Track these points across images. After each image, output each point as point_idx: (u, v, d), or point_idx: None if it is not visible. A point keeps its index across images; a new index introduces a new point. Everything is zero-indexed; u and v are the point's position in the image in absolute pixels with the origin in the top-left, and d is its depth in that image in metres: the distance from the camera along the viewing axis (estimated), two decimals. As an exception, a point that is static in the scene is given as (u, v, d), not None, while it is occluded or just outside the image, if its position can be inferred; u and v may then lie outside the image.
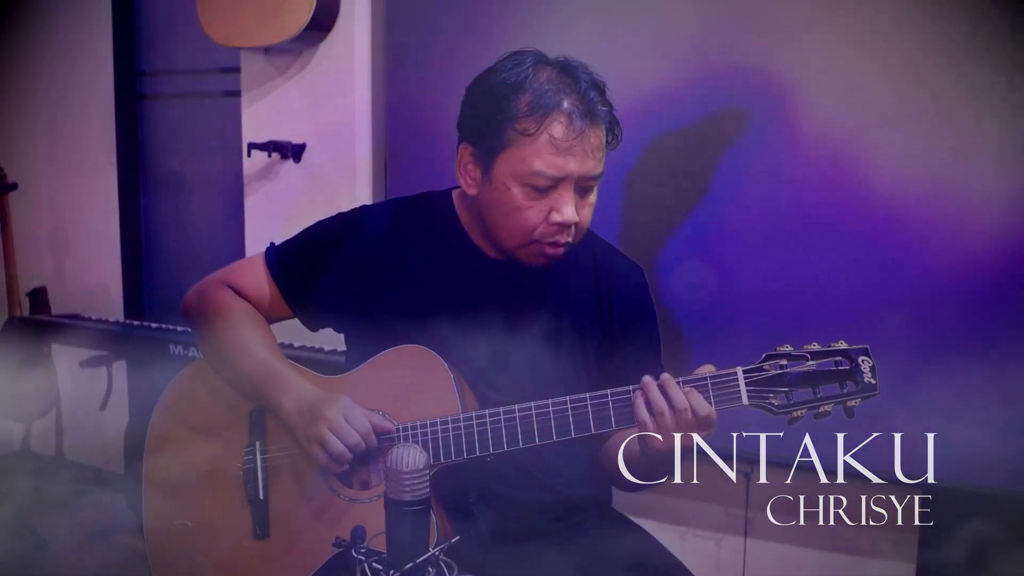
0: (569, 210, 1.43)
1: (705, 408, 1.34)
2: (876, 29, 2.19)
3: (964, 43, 2.11)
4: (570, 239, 1.47)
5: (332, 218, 1.64)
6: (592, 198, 1.48)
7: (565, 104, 1.40)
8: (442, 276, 1.56)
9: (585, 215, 1.47)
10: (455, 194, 1.62)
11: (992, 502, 2.23)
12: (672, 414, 1.34)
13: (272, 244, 1.66)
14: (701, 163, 2.38)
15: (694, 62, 2.37)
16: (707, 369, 1.40)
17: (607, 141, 1.45)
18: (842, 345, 1.37)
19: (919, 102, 2.17)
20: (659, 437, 1.35)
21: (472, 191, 1.50)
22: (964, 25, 2.11)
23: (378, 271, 1.57)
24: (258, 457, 1.55)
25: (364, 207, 1.66)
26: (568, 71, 1.44)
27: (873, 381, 1.36)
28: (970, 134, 2.13)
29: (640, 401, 1.36)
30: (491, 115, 1.44)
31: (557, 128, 1.40)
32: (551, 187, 1.42)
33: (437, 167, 2.74)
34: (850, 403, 1.36)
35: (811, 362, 1.37)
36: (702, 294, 2.39)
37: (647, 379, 1.37)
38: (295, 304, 1.62)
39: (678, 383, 1.37)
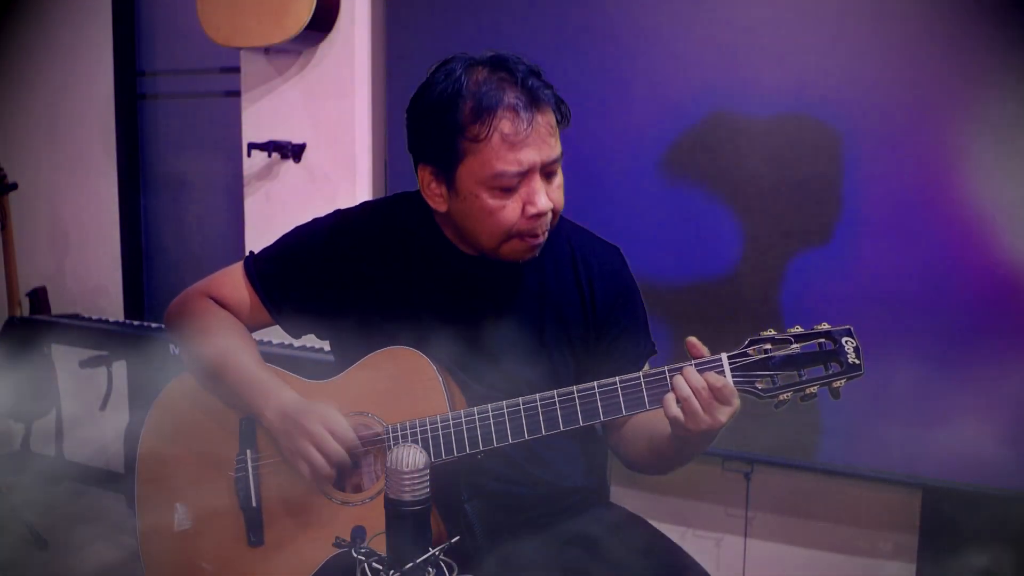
0: (542, 199, 1.42)
1: (719, 381, 1.34)
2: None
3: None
4: (548, 227, 1.47)
5: (308, 224, 1.64)
6: (558, 179, 1.47)
7: (507, 99, 1.39)
8: (420, 276, 1.56)
9: (557, 197, 1.46)
10: None
11: (992, 502, 2.23)
12: (694, 395, 1.35)
13: (251, 253, 1.66)
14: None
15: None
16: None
17: (557, 121, 1.44)
18: (825, 327, 1.37)
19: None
20: (686, 426, 1.35)
21: (442, 208, 1.50)
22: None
23: (355, 275, 1.57)
24: (249, 464, 1.55)
25: (339, 211, 1.66)
26: (500, 65, 1.42)
27: (857, 361, 1.35)
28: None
29: (670, 395, 1.37)
30: (439, 132, 1.43)
31: (506, 124, 1.38)
32: (518, 182, 1.42)
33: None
34: (835, 384, 1.36)
35: (795, 345, 1.36)
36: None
37: (673, 368, 1.38)
38: (275, 311, 1.62)
39: (671, 369, 1.38)
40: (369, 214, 1.63)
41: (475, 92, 1.39)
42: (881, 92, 2.24)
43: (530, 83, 1.40)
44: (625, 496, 1.69)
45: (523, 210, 1.43)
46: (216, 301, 1.64)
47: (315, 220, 1.64)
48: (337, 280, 1.57)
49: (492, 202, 1.43)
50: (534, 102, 1.40)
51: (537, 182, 1.42)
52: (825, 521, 2.58)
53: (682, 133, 2.42)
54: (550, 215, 1.45)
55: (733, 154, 2.38)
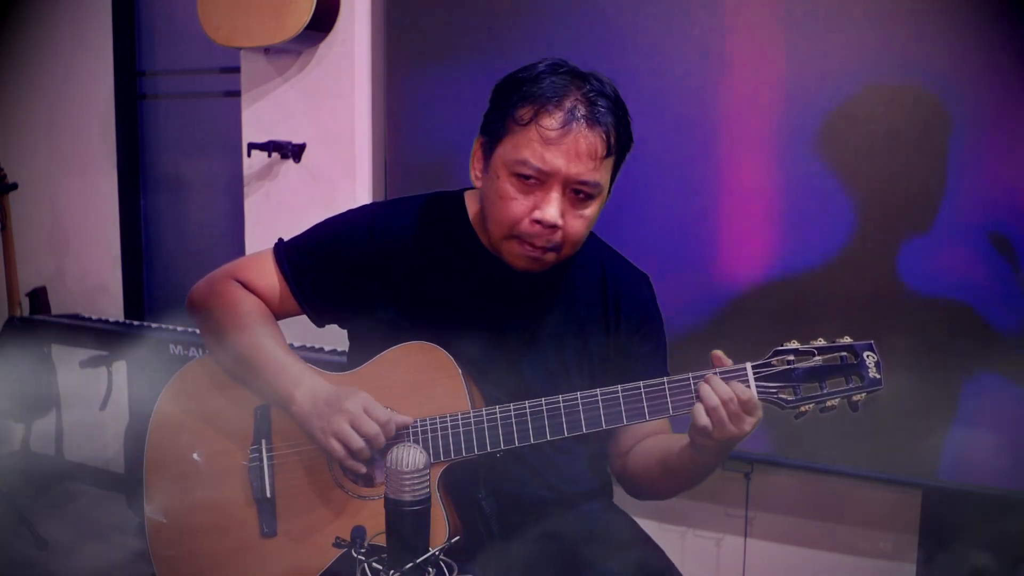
0: (551, 210, 1.41)
1: (747, 393, 1.35)
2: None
3: None
4: (549, 245, 1.45)
5: (342, 215, 1.64)
6: (588, 211, 1.45)
7: (564, 101, 1.39)
8: (450, 276, 1.56)
9: (574, 225, 1.44)
10: (466, 195, 1.62)
11: (992, 502, 2.23)
12: (723, 405, 1.35)
13: (281, 240, 1.65)
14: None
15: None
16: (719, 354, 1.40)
17: (607, 151, 1.42)
18: (847, 340, 1.38)
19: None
20: (713, 435, 1.36)
21: (478, 184, 1.51)
22: None
23: (388, 271, 1.57)
24: (264, 454, 1.55)
25: (375, 205, 1.66)
26: (582, 75, 1.43)
27: (878, 376, 1.37)
28: None
29: (699, 405, 1.37)
30: (499, 105, 1.45)
31: (546, 119, 1.39)
32: (538, 183, 1.41)
33: (437, 167, 2.74)
34: (855, 398, 1.37)
35: (817, 357, 1.38)
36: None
37: (703, 376, 1.38)
38: (304, 301, 1.61)
39: (695, 376, 1.38)
40: (404, 211, 1.62)
41: (543, 84, 1.41)
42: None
43: (594, 98, 1.40)
44: (626, 496, 1.69)
45: (531, 212, 1.42)
46: (244, 286, 1.63)
47: (348, 212, 1.64)
48: (367, 274, 1.57)
49: (509, 188, 1.43)
50: (587, 117, 1.39)
51: (554, 192, 1.41)
52: (825, 521, 2.58)
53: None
54: (558, 236, 1.44)
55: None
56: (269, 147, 3.02)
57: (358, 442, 1.43)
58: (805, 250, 2.36)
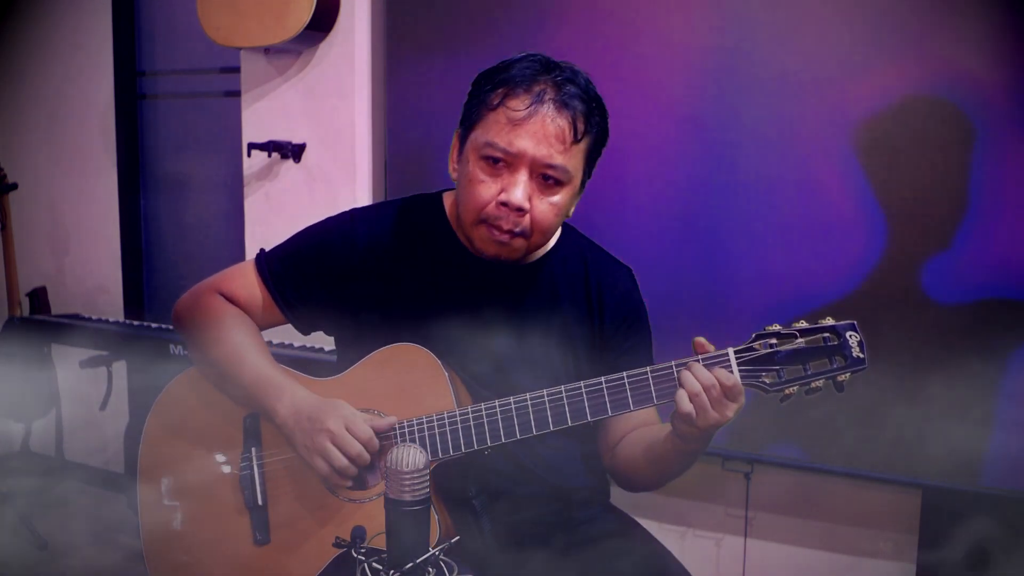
0: (517, 192, 1.42)
1: (730, 379, 1.35)
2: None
3: None
4: (517, 229, 1.45)
5: (322, 222, 1.64)
6: (556, 198, 1.46)
7: (533, 85, 1.41)
8: (432, 277, 1.57)
9: (542, 210, 1.45)
10: (444, 195, 1.63)
11: (992, 502, 2.23)
12: (704, 392, 1.35)
13: (262, 250, 1.66)
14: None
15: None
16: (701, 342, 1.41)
17: (575, 136, 1.43)
18: (829, 321, 1.38)
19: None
20: (696, 422, 1.36)
21: (453, 174, 1.53)
22: None
23: (369, 274, 1.57)
24: (254, 463, 1.55)
25: (354, 210, 1.66)
26: (556, 64, 1.45)
27: (861, 355, 1.37)
28: None
29: (682, 392, 1.37)
30: (474, 95, 1.48)
31: (514, 101, 1.41)
32: (506, 165, 1.43)
33: (437, 167, 2.74)
34: (840, 378, 1.37)
35: (800, 340, 1.37)
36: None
37: (679, 363, 1.39)
38: (288, 309, 1.62)
39: (677, 364, 1.39)
40: (383, 214, 1.63)
41: (513, 70, 1.43)
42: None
43: (562, 83, 1.42)
44: (626, 497, 1.69)
45: (498, 195, 1.43)
46: (226, 298, 1.63)
47: (328, 219, 1.64)
48: (349, 279, 1.57)
49: (478, 172, 1.45)
50: (555, 101, 1.41)
51: (520, 175, 1.42)
52: (825, 521, 2.58)
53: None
54: (526, 220, 1.44)
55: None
56: (269, 147, 3.02)
57: (342, 461, 1.43)
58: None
